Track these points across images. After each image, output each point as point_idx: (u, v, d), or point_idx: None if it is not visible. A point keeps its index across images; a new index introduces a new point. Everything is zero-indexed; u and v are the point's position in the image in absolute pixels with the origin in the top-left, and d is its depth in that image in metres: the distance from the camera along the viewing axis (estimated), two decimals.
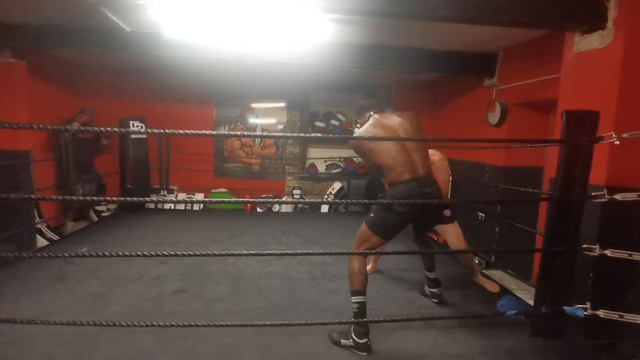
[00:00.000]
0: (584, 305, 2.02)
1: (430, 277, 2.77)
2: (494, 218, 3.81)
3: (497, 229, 3.85)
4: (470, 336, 2.26)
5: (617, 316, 1.96)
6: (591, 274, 2.15)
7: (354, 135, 2.33)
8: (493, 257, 3.91)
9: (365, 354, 2.08)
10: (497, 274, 3.69)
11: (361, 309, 2.14)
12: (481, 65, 3.99)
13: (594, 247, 2.02)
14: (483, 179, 4.13)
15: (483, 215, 4.05)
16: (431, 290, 2.76)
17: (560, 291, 2.09)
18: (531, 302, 2.53)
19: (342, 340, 2.17)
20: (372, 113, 2.37)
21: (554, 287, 2.10)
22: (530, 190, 3.22)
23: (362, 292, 2.17)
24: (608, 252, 2.00)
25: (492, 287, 3.02)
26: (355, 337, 2.10)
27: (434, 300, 2.73)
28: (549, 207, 2.15)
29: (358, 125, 2.49)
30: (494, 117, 3.91)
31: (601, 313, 1.99)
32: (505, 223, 3.66)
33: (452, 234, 3.05)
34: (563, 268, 2.07)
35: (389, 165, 2.17)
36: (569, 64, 2.45)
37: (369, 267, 3.41)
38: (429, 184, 2.19)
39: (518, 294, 2.97)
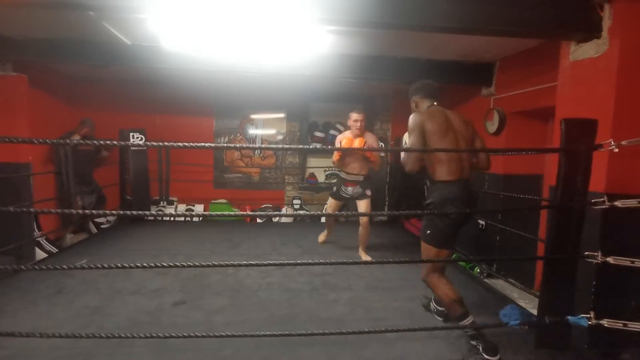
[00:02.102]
0: (588, 315, 2.00)
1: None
2: (495, 226, 3.80)
3: (497, 238, 3.84)
4: (473, 347, 2.22)
5: (621, 325, 1.94)
6: (594, 282, 2.13)
7: (412, 116, 2.21)
8: (494, 266, 3.89)
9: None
10: (499, 283, 3.66)
11: (475, 330, 2.03)
12: (478, 75, 4.03)
13: (596, 254, 2.01)
14: (483, 186, 4.13)
15: (483, 223, 4.04)
16: (438, 307, 2.52)
17: (564, 300, 2.07)
18: (534, 311, 2.50)
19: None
20: (434, 103, 2.30)
21: (557, 296, 2.08)
22: (530, 197, 3.22)
23: (465, 314, 2.04)
24: (610, 260, 1.99)
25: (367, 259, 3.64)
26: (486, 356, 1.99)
27: (439, 318, 2.53)
28: (549, 215, 2.14)
29: (413, 106, 2.44)
30: (493, 125, 3.93)
31: (605, 322, 1.96)
32: (505, 231, 3.64)
33: (366, 207, 3.69)
34: (565, 276, 2.05)
35: (442, 159, 2.04)
36: (565, 72, 2.47)
37: (322, 236, 4.14)
38: (470, 187, 2.12)
39: (521, 303, 2.94)
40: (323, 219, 5.79)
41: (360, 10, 2.15)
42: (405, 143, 2.34)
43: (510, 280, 3.65)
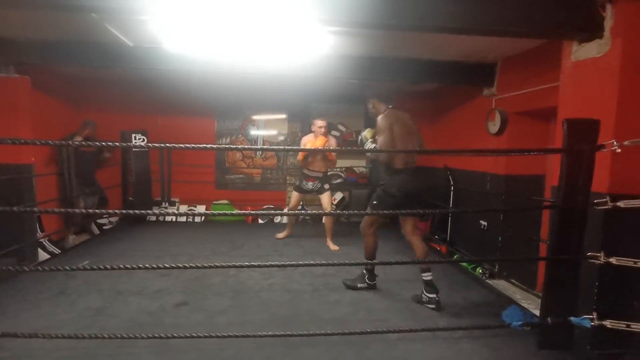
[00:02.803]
0: (591, 316, 1.99)
1: (426, 279, 2.74)
2: (497, 227, 3.79)
3: (500, 238, 3.83)
4: (476, 347, 2.22)
5: (624, 325, 1.93)
6: (597, 283, 2.12)
7: (381, 117, 2.79)
8: (497, 267, 3.88)
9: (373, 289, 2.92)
10: (501, 283, 3.65)
11: (372, 268, 2.98)
12: (480, 75, 4.02)
13: (599, 255, 2.01)
14: (484, 187, 4.12)
15: (485, 224, 4.03)
16: (429, 295, 2.72)
17: (566, 301, 2.06)
18: (537, 312, 2.50)
19: (358, 284, 2.98)
20: (390, 106, 2.87)
21: (559, 297, 2.08)
22: (532, 198, 3.20)
23: (373, 259, 2.93)
24: (613, 260, 1.98)
25: (334, 248, 4.16)
26: (368, 281, 2.97)
27: (430, 306, 2.71)
28: (552, 215, 2.14)
29: (371, 106, 3.01)
30: (494, 126, 3.92)
31: (608, 323, 1.96)
32: (508, 232, 3.64)
33: (327, 200, 4.23)
34: (568, 277, 2.05)
35: (398, 153, 2.70)
36: (567, 72, 2.46)
37: (282, 235, 4.58)
38: (414, 173, 2.80)
39: (523, 304, 2.94)
40: (324, 219, 5.81)
41: (362, 11, 2.15)
42: (366, 139, 2.96)
43: (513, 281, 3.64)
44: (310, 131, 4.33)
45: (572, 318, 2.03)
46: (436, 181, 5.42)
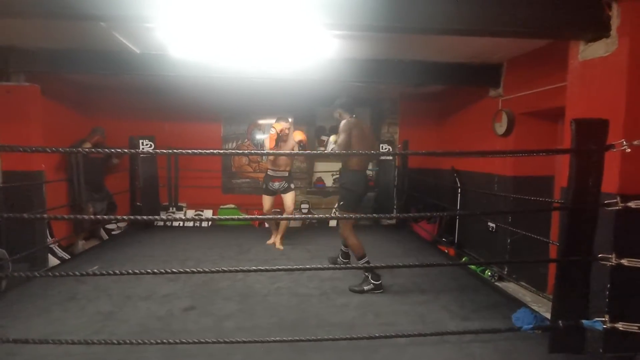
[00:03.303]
0: (603, 318, 1.96)
1: (345, 250, 3.58)
2: (505, 229, 3.75)
3: (508, 240, 3.79)
4: (486, 351, 2.19)
5: (637, 328, 1.90)
6: (608, 285, 2.09)
7: (344, 122, 3.14)
8: (506, 269, 3.84)
9: (381, 290, 3.01)
10: (510, 286, 3.61)
11: (369, 265, 3.06)
12: (486, 76, 4.01)
13: (610, 256, 1.98)
14: (492, 189, 4.09)
15: (494, 226, 4.00)
16: (344, 260, 3.62)
17: (578, 304, 2.03)
18: (547, 315, 2.46)
19: (364, 287, 3.01)
20: (353, 116, 3.26)
21: (570, 299, 2.04)
22: (541, 199, 3.17)
23: (364, 256, 3.09)
24: (624, 262, 1.95)
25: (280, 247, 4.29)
26: (373, 281, 3.01)
27: (342, 263, 3.54)
28: (561, 217, 2.11)
29: (337, 115, 3.35)
30: (501, 127, 3.90)
31: (620, 325, 1.93)
32: (517, 234, 3.60)
33: (290, 199, 4.27)
34: (579, 279, 2.02)
35: (360, 157, 3.13)
36: (574, 72, 2.44)
37: (271, 240, 4.53)
38: (367, 174, 3.30)
39: (534, 307, 2.90)
40: (332, 223, 5.80)
41: (366, 15, 2.16)
42: (331, 143, 3.20)
43: (523, 283, 3.60)
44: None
45: (583, 321, 1.99)
46: (443, 183, 5.39)
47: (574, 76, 2.45)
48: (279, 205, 4.66)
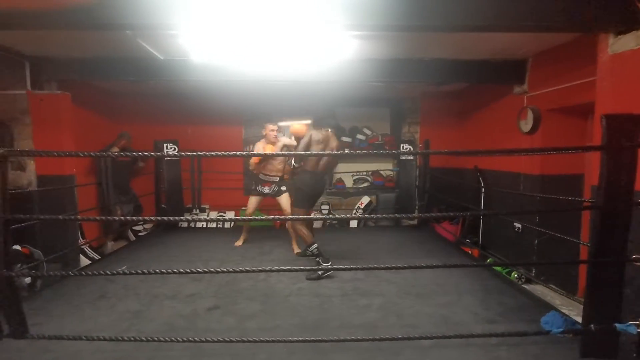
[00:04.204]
0: (637, 322, 1.88)
1: (315, 252, 3.65)
2: (533, 229, 3.64)
3: (536, 241, 3.68)
4: (513, 355, 2.14)
5: None
6: None
7: (307, 132, 3.49)
8: (534, 271, 3.73)
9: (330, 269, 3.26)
10: (538, 288, 3.50)
11: (319, 250, 3.39)
12: (510, 73, 3.91)
13: None
14: (518, 188, 3.98)
15: (520, 226, 3.89)
16: (311, 251, 3.63)
17: (610, 306, 1.95)
18: (578, 319, 2.37)
19: (319, 272, 3.27)
20: (328, 130, 3.56)
21: (603, 302, 1.97)
22: (570, 198, 3.06)
23: (314, 242, 3.42)
24: None
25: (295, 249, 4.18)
26: (323, 264, 3.30)
27: (316, 258, 3.51)
28: (592, 217, 2.03)
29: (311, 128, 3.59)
30: (527, 124, 3.79)
31: None
32: (544, 234, 3.48)
33: (285, 201, 4.20)
34: (612, 281, 1.94)
35: (311, 159, 3.46)
36: (604, 66, 2.35)
37: (239, 241, 4.54)
38: (323, 175, 3.65)
39: (564, 310, 2.80)
40: (353, 223, 5.78)
41: (387, 14, 2.15)
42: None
43: (552, 286, 3.48)
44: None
45: (616, 324, 1.91)
46: (466, 183, 5.28)
47: (603, 70, 2.36)
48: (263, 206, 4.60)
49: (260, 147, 4.19)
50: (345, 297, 2.98)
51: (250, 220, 4.87)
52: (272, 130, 4.10)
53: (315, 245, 3.40)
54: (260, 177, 4.25)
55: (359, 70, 3.82)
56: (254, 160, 4.14)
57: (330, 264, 3.31)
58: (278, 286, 3.20)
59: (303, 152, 3.44)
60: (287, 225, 4.34)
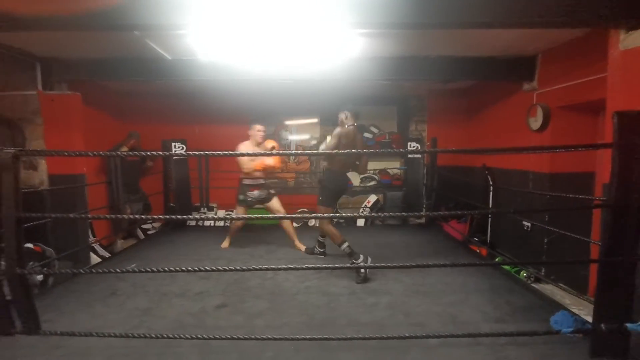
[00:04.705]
0: None
1: (321, 240, 3.93)
2: (542, 228, 3.60)
3: (545, 240, 3.64)
4: (522, 355, 2.12)
5: None
6: None
7: (337, 130, 3.46)
8: (543, 270, 3.69)
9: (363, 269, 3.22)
10: (548, 288, 3.46)
11: (351, 248, 3.37)
12: (519, 69, 3.86)
13: None
14: (527, 186, 3.94)
15: (529, 225, 3.85)
16: (320, 249, 3.95)
17: (621, 306, 1.93)
18: (588, 318, 2.35)
19: (361, 274, 3.22)
20: (355, 124, 3.55)
21: (613, 302, 1.94)
22: (581, 197, 3.02)
23: (345, 240, 3.40)
24: None
25: (301, 247, 4.19)
26: (355, 261, 3.30)
27: (319, 253, 3.94)
28: (604, 215, 2.01)
29: (343, 117, 3.57)
30: (536, 122, 3.74)
31: None
32: (554, 233, 3.44)
33: (276, 204, 4.20)
34: (623, 280, 1.91)
35: (340, 159, 3.49)
36: (615, 62, 2.31)
37: (225, 243, 4.43)
38: (346, 175, 3.73)
39: (574, 310, 2.77)
40: (360, 222, 5.77)
41: (393, 12, 2.14)
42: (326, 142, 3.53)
43: (561, 285, 3.43)
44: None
45: (627, 324, 1.89)
46: (474, 181, 5.24)
47: (614, 66, 2.32)
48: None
49: (246, 149, 4.04)
50: (352, 296, 2.98)
51: (248, 219, 4.96)
52: (259, 131, 4.05)
53: (346, 244, 3.38)
54: (245, 182, 4.11)
55: (365, 69, 3.81)
56: (251, 163, 3.98)
57: (361, 260, 3.29)
58: (285, 284, 3.21)
59: (332, 151, 3.37)
60: (285, 227, 4.27)
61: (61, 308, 2.78)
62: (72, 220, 3.68)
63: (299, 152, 5.89)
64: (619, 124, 1.83)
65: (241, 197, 4.14)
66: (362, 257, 3.33)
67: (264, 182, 4.17)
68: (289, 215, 4.60)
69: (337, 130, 3.47)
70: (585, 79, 3.13)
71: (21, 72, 3.73)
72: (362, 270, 3.21)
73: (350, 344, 2.20)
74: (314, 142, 6.23)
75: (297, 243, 4.26)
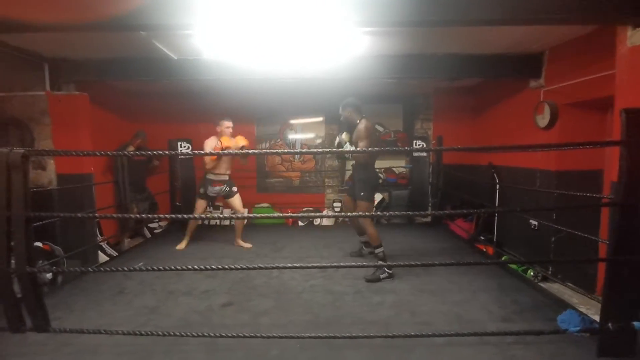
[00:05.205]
0: None
1: (363, 240, 3.86)
2: (549, 227, 3.57)
3: (552, 239, 3.60)
4: (529, 354, 2.11)
5: None
6: None
7: (362, 125, 3.36)
8: (550, 269, 3.66)
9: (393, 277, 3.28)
10: (555, 287, 3.43)
11: (384, 254, 3.33)
12: (526, 67, 3.83)
13: None
14: (534, 185, 3.90)
15: (536, 223, 3.82)
16: (367, 249, 3.83)
17: (629, 305, 1.91)
18: (596, 317, 2.33)
19: (380, 276, 3.23)
20: (363, 116, 3.46)
21: (621, 301, 1.92)
22: (588, 195, 2.98)
23: (380, 245, 3.32)
24: None
25: (244, 245, 4.28)
26: (388, 271, 3.27)
27: (364, 252, 3.91)
28: (612, 213, 1.99)
29: (347, 114, 3.52)
30: (543, 119, 3.71)
31: None
32: (561, 232, 3.41)
33: (237, 201, 4.25)
34: (631, 279, 1.89)
35: (372, 155, 3.48)
36: (623, 59, 2.29)
37: (182, 245, 4.33)
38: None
39: (581, 309, 2.74)
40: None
41: (398, 10, 2.13)
42: (345, 142, 3.45)
43: (569, 284, 3.40)
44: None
45: (635, 323, 1.87)
46: (480, 179, 5.21)
47: (622, 63, 2.30)
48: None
49: (214, 144, 4.03)
50: (358, 294, 2.99)
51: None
52: (228, 127, 4.09)
53: (382, 249, 3.32)
54: (209, 177, 4.15)
55: (370, 67, 3.80)
56: (211, 158, 4.00)
57: (386, 275, 3.27)
58: (291, 283, 3.23)
59: (368, 150, 3.29)
60: (235, 223, 4.38)
61: (70, 306, 2.82)
62: (80, 219, 3.71)
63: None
64: (627, 121, 1.81)
65: (202, 190, 4.21)
66: (387, 272, 3.28)
67: (227, 179, 4.23)
68: (295, 215, 4.59)
69: (362, 124, 3.37)
70: (593, 76, 3.10)
71: (29, 72, 3.77)
72: (382, 275, 3.26)
73: (356, 343, 2.21)
74: (318, 140, 6.23)
75: (239, 240, 4.38)
